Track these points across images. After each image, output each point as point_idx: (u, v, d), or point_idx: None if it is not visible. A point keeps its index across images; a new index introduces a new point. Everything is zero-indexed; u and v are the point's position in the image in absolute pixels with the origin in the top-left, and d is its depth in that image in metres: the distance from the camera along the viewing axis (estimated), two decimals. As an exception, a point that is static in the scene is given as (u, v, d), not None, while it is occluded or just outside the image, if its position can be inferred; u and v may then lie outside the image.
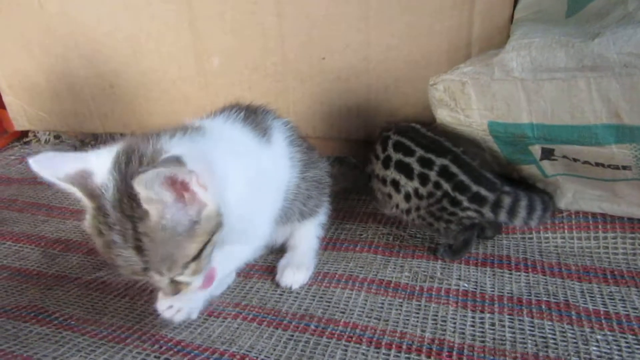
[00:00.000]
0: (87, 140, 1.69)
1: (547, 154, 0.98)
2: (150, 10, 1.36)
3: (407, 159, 1.00)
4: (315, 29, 1.28)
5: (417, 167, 0.99)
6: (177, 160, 0.63)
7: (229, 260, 0.86)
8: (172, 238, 0.66)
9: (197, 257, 0.70)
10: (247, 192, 0.80)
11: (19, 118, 1.72)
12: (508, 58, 0.90)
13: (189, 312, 0.83)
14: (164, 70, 1.45)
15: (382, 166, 1.04)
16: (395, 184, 1.02)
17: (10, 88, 1.66)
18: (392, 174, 1.02)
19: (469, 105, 0.99)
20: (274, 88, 1.39)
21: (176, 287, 0.73)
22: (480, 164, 1.00)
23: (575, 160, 0.95)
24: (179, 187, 0.64)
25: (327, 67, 1.33)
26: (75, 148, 1.69)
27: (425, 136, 1.02)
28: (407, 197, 1.01)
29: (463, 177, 0.96)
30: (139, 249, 0.66)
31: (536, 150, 0.98)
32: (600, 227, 1.04)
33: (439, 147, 0.99)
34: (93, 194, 0.67)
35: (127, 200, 0.65)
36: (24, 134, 1.81)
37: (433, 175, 0.97)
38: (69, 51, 1.51)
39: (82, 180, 0.68)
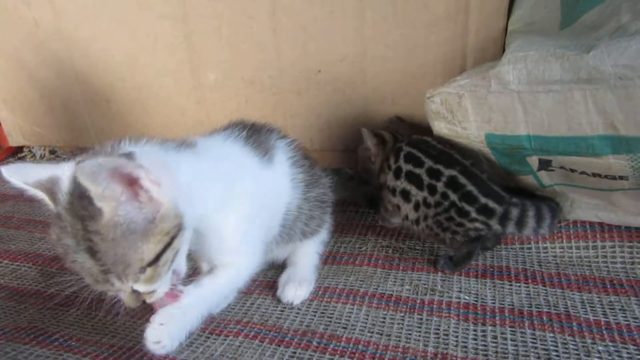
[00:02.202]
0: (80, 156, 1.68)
1: (545, 165, 0.99)
2: (146, 25, 1.36)
3: (417, 170, 1.01)
4: (311, 42, 1.29)
5: (426, 178, 1.00)
6: (125, 155, 0.63)
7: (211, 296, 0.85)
8: (126, 237, 0.65)
9: (154, 261, 0.68)
10: (240, 217, 0.81)
11: (14, 133, 1.71)
12: (504, 71, 0.90)
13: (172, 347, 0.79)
14: (160, 84, 1.45)
15: (393, 177, 1.05)
16: (406, 194, 1.03)
17: (4, 103, 1.65)
18: (402, 184, 1.03)
19: (466, 117, 1.00)
20: (270, 101, 1.39)
21: (138, 297, 0.72)
22: (489, 176, 1.01)
23: (572, 170, 0.96)
24: (131, 183, 0.64)
25: (323, 80, 1.33)
26: (70, 163, 1.68)
27: (435, 148, 1.03)
28: (417, 207, 1.02)
29: (471, 187, 0.97)
30: (92, 251, 0.65)
31: (533, 161, 0.99)
32: (598, 236, 1.04)
33: (449, 159, 1.00)
34: (55, 200, 0.67)
35: (79, 200, 0.64)
36: (18, 149, 1.80)
37: (440, 185, 0.98)
38: (65, 67, 1.50)
39: (50, 185, 0.68)
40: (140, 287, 0.70)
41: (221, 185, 0.80)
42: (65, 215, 0.66)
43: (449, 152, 1.02)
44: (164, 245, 0.68)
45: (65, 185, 0.67)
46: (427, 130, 1.12)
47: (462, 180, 0.97)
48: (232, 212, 0.81)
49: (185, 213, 0.70)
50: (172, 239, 0.68)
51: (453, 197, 0.97)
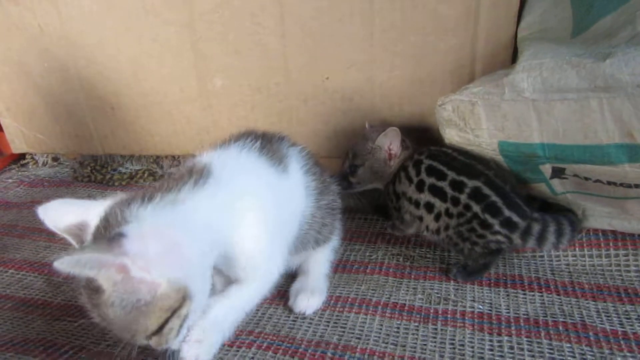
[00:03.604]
0: (86, 162, 1.67)
1: (558, 173, 0.98)
2: (152, 31, 1.35)
3: (440, 183, 1.00)
4: (319, 49, 1.28)
5: (449, 191, 0.99)
6: (111, 242, 0.63)
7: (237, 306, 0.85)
8: (126, 314, 0.65)
9: (157, 331, 0.68)
10: (262, 230, 0.80)
11: (17, 140, 1.69)
12: (519, 79, 0.90)
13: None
14: (165, 91, 1.44)
15: (415, 189, 1.04)
16: (430, 207, 1.02)
17: (7, 110, 1.64)
18: (426, 197, 1.03)
19: (478, 125, 0.99)
20: (277, 108, 1.38)
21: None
22: (512, 187, 1.00)
23: (586, 179, 0.95)
24: (121, 267, 0.63)
25: (330, 87, 1.33)
26: (74, 171, 1.66)
27: (457, 159, 1.02)
28: (438, 217, 1.01)
29: (495, 198, 0.96)
30: (102, 317, 0.67)
31: (547, 169, 0.98)
32: (611, 244, 1.04)
33: (472, 170, 1.00)
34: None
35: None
36: (21, 156, 1.79)
37: (464, 197, 0.97)
38: (69, 73, 1.49)
39: (79, 232, 0.69)
40: (154, 346, 0.71)
41: (243, 207, 0.79)
42: (80, 279, 0.67)
43: (471, 162, 1.01)
44: (166, 319, 0.68)
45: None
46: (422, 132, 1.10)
47: (487, 191, 0.96)
48: (255, 229, 0.80)
49: (194, 280, 0.70)
50: (175, 310, 0.68)
51: (476, 208, 0.96)
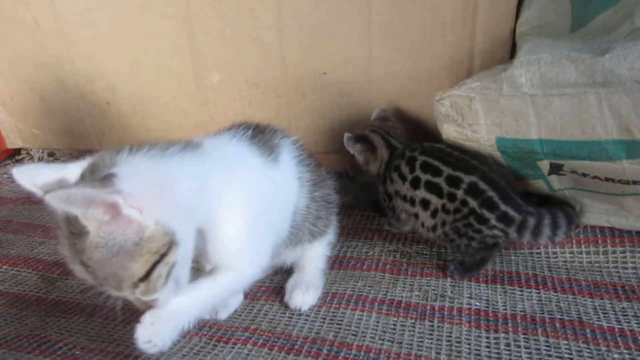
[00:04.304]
0: (82, 158, 1.66)
1: (556, 169, 0.97)
2: (149, 26, 1.34)
3: (436, 179, 0.99)
4: (317, 44, 1.27)
5: (445, 187, 0.98)
6: (103, 181, 0.63)
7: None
8: (112, 257, 0.64)
9: (145, 277, 0.67)
10: (244, 216, 0.79)
11: (12, 136, 1.68)
12: (517, 74, 0.89)
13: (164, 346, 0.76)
14: (162, 86, 1.43)
15: (410, 187, 1.03)
16: (425, 204, 1.01)
17: (2, 105, 1.63)
18: (422, 193, 1.02)
19: (476, 120, 0.98)
20: (274, 103, 1.37)
21: (145, 303, 0.72)
22: (507, 182, 0.99)
23: (584, 175, 0.94)
24: (112, 206, 0.63)
25: (328, 82, 1.32)
26: (70, 166, 1.65)
27: (452, 155, 1.02)
28: (434, 214, 1.00)
29: (492, 193, 0.95)
30: (85, 265, 0.65)
31: (545, 165, 0.98)
32: (608, 241, 1.03)
33: (468, 165, 0.99)
34: None
35: (69, 216, 0.63)
36: (16, 151, 1.78)
37: (460, 193, 0.96)
38: (64, 68, 1.48)
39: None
40: (140, 297, 0.70)
41: (227, 185, 0.78)
42: (62, 226, 0.66)
43: (466, 158, 1.01)
44: (153, 263, 0.67)
45: None
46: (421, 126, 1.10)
47: (483, 186, 0.96)
48: (237, 213, 0.79)
49: (180, 228, 0.69)
50: (163, 256, 0.67)
51: (473, 203, 0.95)
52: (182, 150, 0.77)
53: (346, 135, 1.14)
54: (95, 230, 0.63)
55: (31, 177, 0.67)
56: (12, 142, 1.70)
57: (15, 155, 1.78)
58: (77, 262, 0.66)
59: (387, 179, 1.10)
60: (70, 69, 1.48)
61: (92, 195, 0.60)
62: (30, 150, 1.75)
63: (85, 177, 0.67)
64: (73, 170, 0.69)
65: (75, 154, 1.68)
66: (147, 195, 0.65)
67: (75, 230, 0.64)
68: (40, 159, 1.74)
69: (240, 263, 0.83)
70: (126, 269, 0.65)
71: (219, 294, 0.83)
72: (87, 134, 1.58)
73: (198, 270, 0.87)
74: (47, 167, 0.70)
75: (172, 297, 0.73)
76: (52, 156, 1.74)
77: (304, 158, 0.95)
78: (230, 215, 0.78)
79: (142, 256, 0.65)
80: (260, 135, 0.90)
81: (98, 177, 0.65)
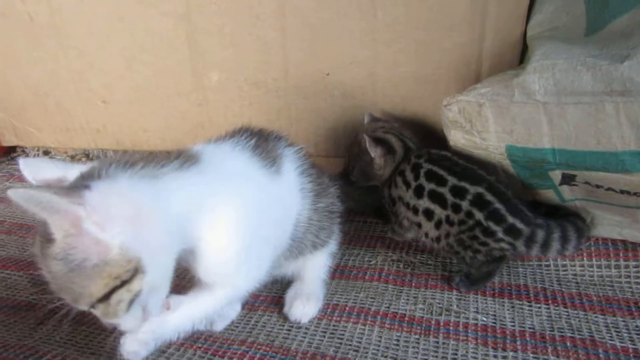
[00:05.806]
0: (77, 157, 1.62)
1: (568, 180, 0.94)
2: (146, 22, 1.30)
3: (440, 189, 0.95)
4: (319, 44, 1.23)
5: (449, 197, 0.94)
6: (71, 190, 0.61)
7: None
8: (72, 272, 0.61)
9: (103, 299, 0.64)
10: (237, 234, 0.76)
11: (7, 133, 1.65)
12: (530, 80, 0.85)
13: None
14: (159, 85, 1.39)
15: (414, 195, 0.99)
16: (429, 214, 0.97)
17: (-3, 102, 1.59)
18: (425, 203, 0.98)
19: (485, 127, 0.94)
20: (275, 104, 1.34)
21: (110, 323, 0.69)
22: (514, 193, 0.95)
23: (597, 186, 0.91)
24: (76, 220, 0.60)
25: (331, 83, 1.28)
26: (65, 164, 1.62)
27: (458, 164, 0.98)
28: (438, 224, 0.96)
29: (499, 205, 0.92)
30: (47, 270, 0.63)
31: (556, 175, 0.94)
32: (621, 254, 1.00)
33: (474, 175, 0.95)
34: None
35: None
36: (11, 149, 1.74)
37: (465, 204, 0.93)
38: (59, 64, 1.44)
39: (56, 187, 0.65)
40: (101, 317, 0.67)
41: (223, 207, 0.75)
42: (39, 227, 0.64)
43: (472, 167, 0.97)
44: (113, 287, 0.63)
45: None
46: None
47: (489, 197, 0.92)
48: (232, 236, 0.76)
49: (151, 256, 0.65)
50: (124, 282, 0.64)
51: (479, 215, 0.92)
52: (178, 169, 0.73)
53: (367, 138, 1.07)
54: (61, 240, 0.61)
55: (34, 170, 0.66)
56: (7, 140, 1.67)
57: (10, 153, 1.74)
58: (42, 264, 0.64)
59: (392, 183, 1.06)
60: (65, 65, 1.44)
61: (54, 201, 0.58)
62: (26, 148, 1.71)
63: (71, 183, 0.66)
64: (76, 172, 0.68)
65: (71, 152, 1.65)
66: (117, 215, 0.62)
67: (46, 235, 0.62)
68: (35, 158, 1.71)
69: (234, 280, 0.81)
70: (83, 287, 0.63)
71: (212, 310, 0.81)
72: (82, 133, 1.54)
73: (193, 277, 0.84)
74: (54, 164, 0.69)
75: (138, 325, 0.71)
76: (48, 154, 1.70)
77: (307, 168, 0.91)
78: (225, 241, 0.75)
79: (101, 279, 0.62)
80: (264, 144, 0.86)
81: (74, 185, 0.64)
